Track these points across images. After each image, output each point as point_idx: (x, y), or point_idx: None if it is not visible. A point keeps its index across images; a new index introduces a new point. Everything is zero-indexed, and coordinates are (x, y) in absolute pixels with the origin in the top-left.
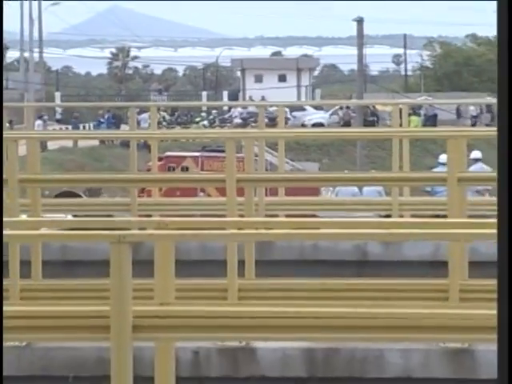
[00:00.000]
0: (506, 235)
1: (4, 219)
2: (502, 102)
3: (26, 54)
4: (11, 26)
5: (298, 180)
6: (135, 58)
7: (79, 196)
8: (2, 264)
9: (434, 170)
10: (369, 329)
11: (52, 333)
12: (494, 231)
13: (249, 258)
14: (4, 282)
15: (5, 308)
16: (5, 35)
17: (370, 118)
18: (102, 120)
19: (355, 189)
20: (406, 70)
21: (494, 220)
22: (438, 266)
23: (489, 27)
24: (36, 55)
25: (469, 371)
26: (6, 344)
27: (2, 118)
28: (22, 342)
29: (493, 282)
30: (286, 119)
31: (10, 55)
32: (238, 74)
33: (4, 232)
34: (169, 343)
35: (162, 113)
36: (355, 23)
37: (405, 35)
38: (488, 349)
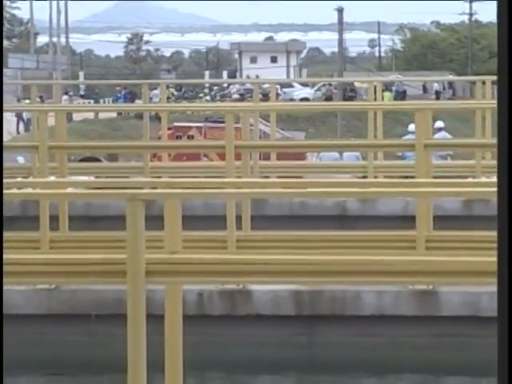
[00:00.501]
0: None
1: (36, 180)
2: (502, 101)
3: (54, 39)
4: (41, 14)
5: (288, 147)
6: (147, 42)
7: (100, 161)
8: (2, 267)
9: (404, 137)
10: (348, 273)
11: (77, 277)
12: (456, 189)
13: (245, 213)
14: (35, 234)
15: (36, 256)
16: (36, 23)
17: (349, 93)
18: (119, 95)
19: (336, 154)
20: (379, 52)
21: (456, 180)
22: (407, 220)
23: (450, 15)
24: (63, 40)
25: (433, 309)
26: (37, 287)
27: (2, 113)
28: (51, 286)
29: (453, 233)
30: (277, 94)
31: (41, 40)
32: (236, 56)
33: (36, 191)
34: (177, 286)
35: (170, 89)
36: (336, 12)
37: (378, 22)
38: (449, 290)
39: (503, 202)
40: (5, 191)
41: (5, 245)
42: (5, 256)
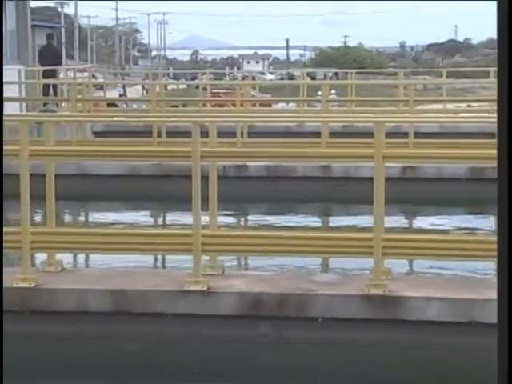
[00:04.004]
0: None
1: (150, 114)
2: (502, 101)
3: (159, 53)
4: (153, 40)
5: (263, 100)
6: (200, 54)
7: (178, 106)
8: (2, 266)
9: (316, 97)
10: (290, 157)
11: (169, 158)
12: (339, 119)
13: (245, 130)
14: (150, 139)
15: (150, 148)
16: (151, 45)
17: (291, 77)
18: (187, 78)
19: (285, 104)
20: (305, 60)
21: (340, 114)
22: (317, 134)
23: (337, 43)
24: (162, 53)
25: (328, 173)
26: (147, 163)
27: (2, 114)
28: (156, 162)
29: (339, 140)
30: (258, 78)
31: (153, 54)
32: (240, 60)
33: (149, 119)
34: (214, 163)
35: (210, 75)
36: (285, 41)
37: (304, 46)
38: (336, 165)
39: (503, 203)
40: (134, 119)
41: (136, 144)
42: (134, 148)
